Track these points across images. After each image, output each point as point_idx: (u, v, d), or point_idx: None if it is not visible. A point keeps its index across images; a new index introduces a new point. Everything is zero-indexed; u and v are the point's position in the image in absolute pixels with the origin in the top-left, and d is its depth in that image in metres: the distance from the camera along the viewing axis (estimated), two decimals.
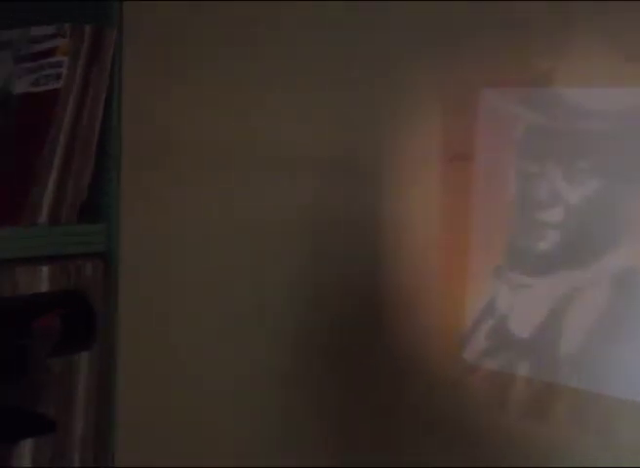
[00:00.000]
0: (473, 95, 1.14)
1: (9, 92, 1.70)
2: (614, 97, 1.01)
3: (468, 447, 1.17)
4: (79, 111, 1.63)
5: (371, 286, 1.30)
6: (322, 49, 1.34)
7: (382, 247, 1.28)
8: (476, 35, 1.14)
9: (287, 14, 1.39)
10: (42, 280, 1.51)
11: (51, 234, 1.57)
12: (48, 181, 1.60)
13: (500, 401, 1.13)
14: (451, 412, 1.17)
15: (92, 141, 1.64)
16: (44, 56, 1.67)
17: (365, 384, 1.30)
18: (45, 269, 1.53)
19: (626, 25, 1.00)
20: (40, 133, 1.62)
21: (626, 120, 1.00)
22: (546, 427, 1.08)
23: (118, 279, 1.63)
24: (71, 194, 1.63)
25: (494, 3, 1.12)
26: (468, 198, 1.15)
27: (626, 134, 1.00)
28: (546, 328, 1.06)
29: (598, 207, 1.03)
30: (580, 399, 1.06)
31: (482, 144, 1.14)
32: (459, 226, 1.16)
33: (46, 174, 1.60)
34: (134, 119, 1.66)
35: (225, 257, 1.49)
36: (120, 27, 1.65)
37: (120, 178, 1.68)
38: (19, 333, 0.85)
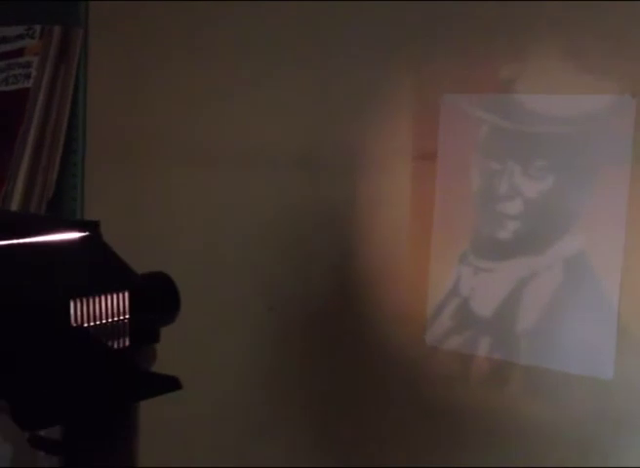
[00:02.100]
0: (438, 98, 1.26)
1: None
2: (567, 105, 1.14)
3: (431, 418, 1.28)
4: (48, 109, 1.68)
5: (342, 269, 1.39)
6: (292, 49, 1.42)
7: (353, 237, 1.38)
8: (445, 41, 1.25)
9: (257, 12, 1.45)
10: None
11: None
12: (18, 176, 1.64)
13: (461, 376, 1.24)
14: (416, 388, 1.28)
15: (59, 138, 1.69)
16: (13, 55, 1.71)
17: (334, 364, 1.39)
18: None
19: (585, 36, 1.13)
20: (10, 130, 1.66)
21: (578, 125, 1.13)
22: (502, 398, 1.20)
23: None
24: (40, 188, 1.68)
25: (461, 8, 1.23)
26: (433, 193, 1.27)
27: (577, 137, 1.13)
28: (505, 307, 1.19)
29: (552, 200, 1.16)
30: (534, 373, 1.18)
31: (445, 145, 1.25)
32: (424, 218, 1.27)
33: (16, 169, 1.65)
34: (101, 117, 1.70)
35: (194, 254, 1.54)
36: (87, 27, 1.69)
37: (85, 174, 1.72)
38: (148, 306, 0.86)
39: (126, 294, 0.83)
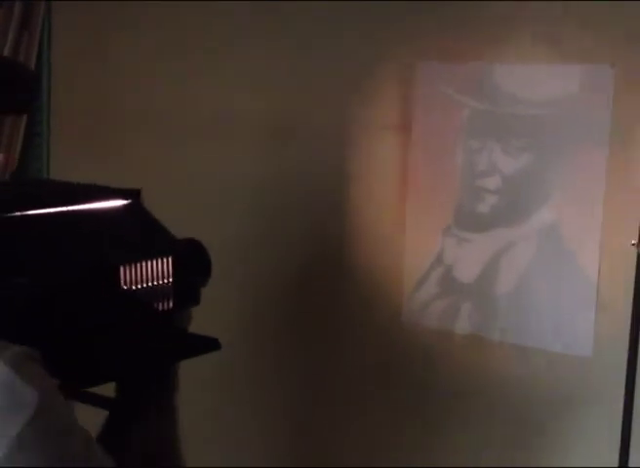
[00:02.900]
0: (411, 69, 1.33)
1: None
2: (543, 83, 1.24)
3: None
4: None
5: (318, 240, 1.47)
6: (262, 21, 1.45)
7: (327, 208, 1.46)
8: (415, 11, 1.32)
9: None
10: None
11: None
12: None
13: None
14: (401, 352, 1.39)
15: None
16: None
17: (325, 321, 1.47)
18: None
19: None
20: None
21: (551, 108, 1.24)
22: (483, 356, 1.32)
23: None
24: (3, 162, 1.67)
25: None
26: (406, 163, 1.36)
27: (553, 117, 1.25)
28: (485, 274, 1.31)
29: (528, 176, 1.27)
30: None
31: (419, 116, 1.34)
32: (400, 189, 1.37)
33: None
34: (66, 88, 1.68)
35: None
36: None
37: (50, 146, 1.70)
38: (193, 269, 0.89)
39: (170, 259, 0.86)
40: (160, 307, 0.86)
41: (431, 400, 1.39)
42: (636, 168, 1.21)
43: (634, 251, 1.18)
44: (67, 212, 0.84)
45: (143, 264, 0.84)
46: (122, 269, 0.82)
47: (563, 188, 1.25)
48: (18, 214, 0.80)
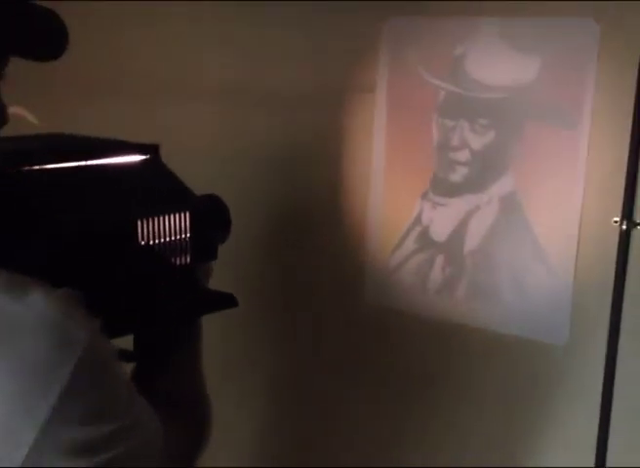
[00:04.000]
0: (376, 29, 1.50)
1: None
2: (502, 76, 1.47)
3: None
4: None
5: (291, 207, 1.66)
6: None
7: (295, 173, 1.61)
8: None
9: None
10: None
11: None
12: None
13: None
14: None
15: None
16: None
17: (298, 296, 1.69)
18: None
19: None
20: None
21: (511, 93, 1.47)
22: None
23: None
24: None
25: None
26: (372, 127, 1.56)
27: (510, 102, 1.47)
28: (456, 233, 1.56)
29: (492, 150, 1.51)
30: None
31: (385, 77, 1.55)
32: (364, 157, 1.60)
33: None
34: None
35: None
36: None
37: None
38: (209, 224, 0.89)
39: (187, 214, 0.86)
40: (178, 262, 0.86)
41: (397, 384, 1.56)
42: (618, 141, 1.32)
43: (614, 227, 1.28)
44: (86, 166, 0.83)
45: (162, 219, 0.83)
46: (140, 224, 0.81)
47: (516, 161, 1.48)
48: (37, 167, 0.79)
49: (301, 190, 1.68)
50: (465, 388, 1.55)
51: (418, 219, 1.59)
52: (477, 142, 1.52)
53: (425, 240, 1.58)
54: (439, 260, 1.57)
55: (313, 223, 1.67)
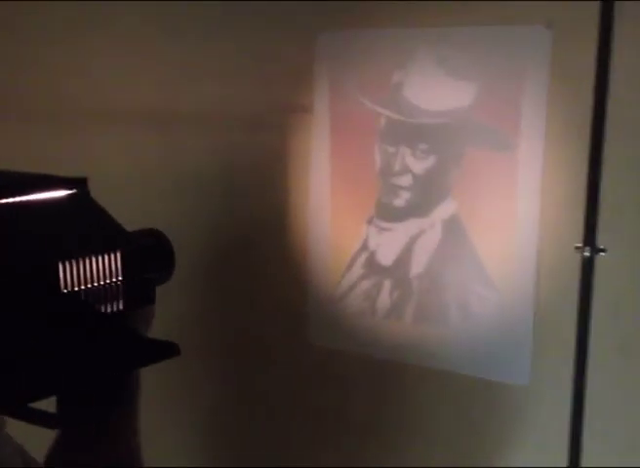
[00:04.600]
0: (312, 39, 1.49)
1: None
2: (441, 101, 1.51)
3: None
4: None
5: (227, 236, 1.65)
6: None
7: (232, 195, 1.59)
8: None
9: None
10: None
11: None
12: None
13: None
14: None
15: None
16: None
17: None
18: None
19: None
20: None
21: (451, 117, 1.51)
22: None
23: None
24: None
25: None
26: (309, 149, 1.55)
27: (451, 127, 1.51)
28: (402, 257, 1.59)
29: (433, 174, 1.55)
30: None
31: (321, 95, 1.57)
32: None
33: None
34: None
35: None
36: None
37: None
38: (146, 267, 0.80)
39: (118, 254, 0.77)
40: (109, 309, 0.77)
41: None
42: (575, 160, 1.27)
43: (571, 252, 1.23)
44: (9, 204, 0.74)
45: (87, 260, 0.75)
46: (61, 267, 0.73)
47: (457, 185, 1.52)
48: None
49: (241, 219, 1.66)
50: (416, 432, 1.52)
51: (364, 245, 1.61)
52: (418, 167, 1.55)
53: (372, 265, 1.60)
54: (387, 285, 1.60)
55: (254, 254, 1.66)
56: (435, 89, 1.51)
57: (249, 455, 1.65)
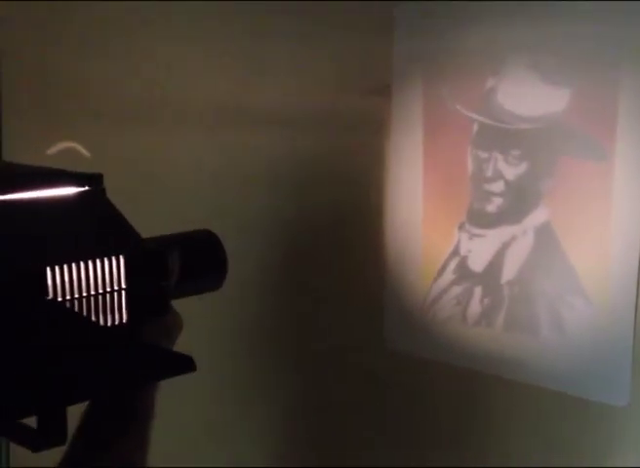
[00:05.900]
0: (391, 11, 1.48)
1: None
2: (534, 107, 1.48)
3: None
4: None
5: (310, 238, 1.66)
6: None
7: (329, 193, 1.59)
8: None
9: None
10: None
11: None
12: None
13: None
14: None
15: None
16: None
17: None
18: None
19: None
20: None
21: (544, 123, 1.48)
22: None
23: None
24: None
25: None
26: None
27: (543, 133, 1.48)
28: (493, 264, 1.58)
29: (526, 181, 1.52)
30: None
31: (413, 100, 1.57)
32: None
33: None
34: (20, 70, 1.67)
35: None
36: None
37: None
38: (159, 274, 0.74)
39: (121, 260, 0.71)
40: (109, 321, 0.71)
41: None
42: None
43: None
44: (8, 201, 0.69)
45: (82, 267, 0.69)
46: (49, 273, 0.67)
47: (550, 191, 1.49)
48: None
49: (324, 220, 1.64)
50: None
51: (455, 250, 1.61)
52: (511, 173, 1.53)
53: (463, 270, 1.60)
54: (477, 292, 1.59)
55: (338, 258, 1.65)
56: (528, 93, 1.48)
57: (323, 463, 1.65)
